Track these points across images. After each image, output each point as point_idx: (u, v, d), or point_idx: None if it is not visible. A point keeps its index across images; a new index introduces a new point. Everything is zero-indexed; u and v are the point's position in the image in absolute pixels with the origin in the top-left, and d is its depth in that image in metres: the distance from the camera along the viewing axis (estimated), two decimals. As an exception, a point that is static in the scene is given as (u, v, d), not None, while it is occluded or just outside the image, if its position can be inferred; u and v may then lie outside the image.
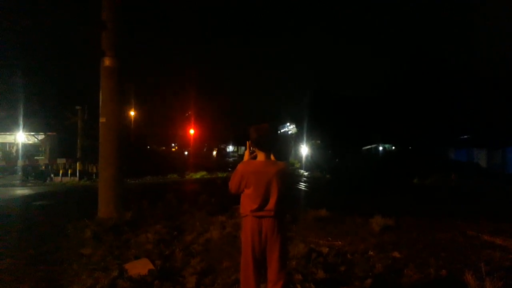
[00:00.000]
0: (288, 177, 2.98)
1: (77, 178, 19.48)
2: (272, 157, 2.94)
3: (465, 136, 30.49)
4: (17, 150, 25.54)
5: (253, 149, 2.95)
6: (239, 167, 2.89)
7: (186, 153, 42.49)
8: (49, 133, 26.08)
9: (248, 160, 2.96)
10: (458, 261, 4.61)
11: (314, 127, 38.44)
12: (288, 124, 53.59)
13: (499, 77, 24.02)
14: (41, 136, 26.60)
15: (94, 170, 19.64)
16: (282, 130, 53.98)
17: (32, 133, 26.53)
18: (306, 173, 31.04)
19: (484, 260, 4.41)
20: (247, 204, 2.82)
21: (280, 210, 2.82)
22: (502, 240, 5.51)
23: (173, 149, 50.47)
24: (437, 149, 30.93)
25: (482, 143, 27.87)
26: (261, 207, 2.77)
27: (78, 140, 22.25)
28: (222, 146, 66.42)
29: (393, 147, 38.90)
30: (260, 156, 2.90)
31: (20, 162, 20.76)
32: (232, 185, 2.90)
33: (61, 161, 20.60)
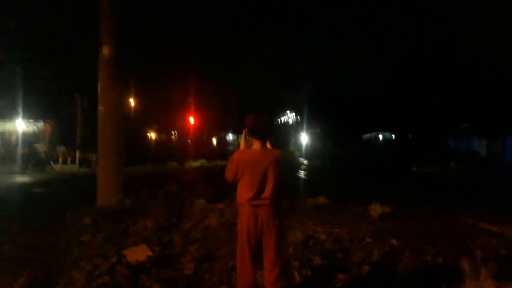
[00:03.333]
0: (284, 165, 2.97)
1: (76, 166, 19.55)
2: (268, 145, 2.93)
3: (465, 125, 30.46)
4: (16, 138, 25.53)
5: (249, 137, 2.94)
6: (235, 156, 2.88)
7: (188, 141, 42.22)
8: (49, 121, 26.02)
9: (243, 149, 2.96)
10: (455, 249, 4.63)
11: (314, 116, 38.37)
12: (288, 112, 53.47)
13: (500, 66, 23.88)
14: (40, 124, 26.55)
15: (94, 158, 19.65)
16: (282, 118, 53.90)
17: (31, 121, 26.47)
18: (306, 161, 31.10)
19: (480, 247, 4.42)
20: (243, 192, 2.82)
21: (276, 199, 2.82)
22: (499, 228, 5.53)
23: (173, 137, 50.34)
24: (437, 138, 30.92)
25: (482, 132, 27.85)
26: (257, 196, 2.77)
27: (78, 128, 22.26)
28: (222, 135, 66.27)
29: (393, 136, 38.91)
30: (256, 144, 2.89)
31: (19, 150, 20.80)
32: (228, 174, 2.89)
33: (60, 149, 20.65)
